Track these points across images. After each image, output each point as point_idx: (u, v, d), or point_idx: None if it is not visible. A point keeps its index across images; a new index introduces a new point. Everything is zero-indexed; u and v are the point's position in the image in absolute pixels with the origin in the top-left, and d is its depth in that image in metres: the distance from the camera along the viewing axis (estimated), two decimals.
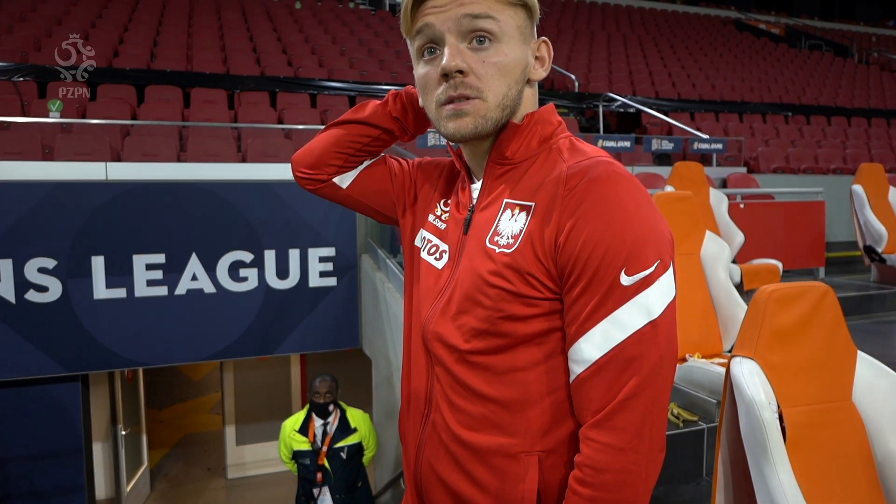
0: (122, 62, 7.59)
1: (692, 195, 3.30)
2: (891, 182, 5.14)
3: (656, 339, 0.85)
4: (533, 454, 0.92)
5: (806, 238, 5.26)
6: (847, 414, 1.73)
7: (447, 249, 1.03)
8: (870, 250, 4.93)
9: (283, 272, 4.74)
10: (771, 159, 7.91)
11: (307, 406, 4.14)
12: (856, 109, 11.01)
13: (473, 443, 0.94)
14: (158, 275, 4.46)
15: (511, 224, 0.93)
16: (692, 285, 3.10)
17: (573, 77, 9.48)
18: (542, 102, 1.02)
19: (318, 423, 4.04)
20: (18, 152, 5.36)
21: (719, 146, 7.24)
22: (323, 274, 4.84)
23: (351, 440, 4.04)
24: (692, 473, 2.56)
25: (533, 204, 0.92)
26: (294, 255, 4.76)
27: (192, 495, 6.71)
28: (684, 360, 2.96)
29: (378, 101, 1.16)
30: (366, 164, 1.19)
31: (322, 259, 4.83)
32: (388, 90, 1.34)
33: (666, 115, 8.80)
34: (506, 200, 0.96)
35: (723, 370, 2.61)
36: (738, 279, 4.03)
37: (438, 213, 1.09)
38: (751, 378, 1.67)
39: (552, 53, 1.01)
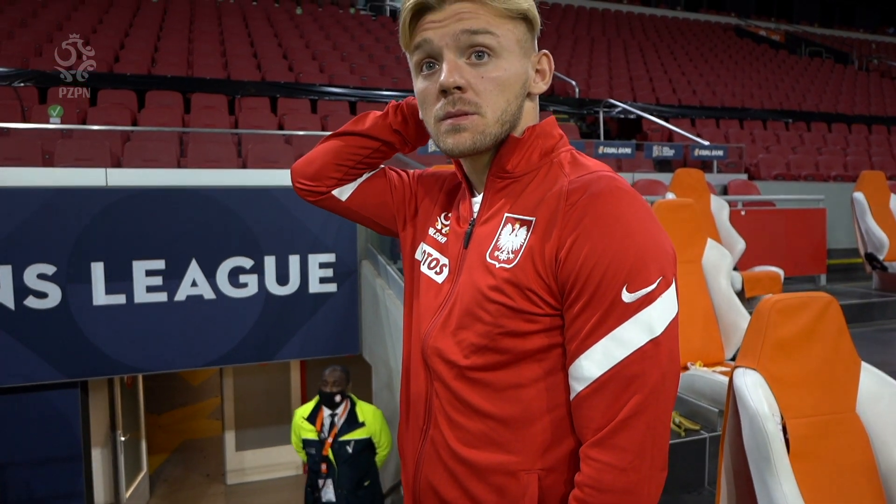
0: (123, 67, 7.59)
1: (693, 202, 3.30)
2: (892, 189, 5.15)
3: (658, 356, 0.84)
4: (533, 472, 0.91)
5: (807, 245, 5.26)
6: (851, 425, 1.72)
7: (447, 263, 1.02)
8: (871, 258, 4.92)
9: (283, 278, 4.73)
10: (772, 166, 7.91)
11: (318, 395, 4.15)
12: (856, 116, 11.01)
13: (472, 460, 0.93)
14: (158, 281, 4.45)
15: (511, 239, 0.92)
16: (693, 293, 3.10)
17: (574, 83, 9.49)
18: (541, 109, 1.01)
19: (326, 413, 4.04)
20: (18, 158, 5.36)
21: (720, 153, 7.25)
22: (323, 280, 4.84)
23: (358, 434, 4.00)
24: (694, 483, 2.55)
25: (533, 219, 0.91)
26: (294, 261, 4.75)
27: (192, 501, 6.69)
28: (686, 368, 2.95)
29: (378, 113, 1.15)
30: (365, 176, 1.18)
31: (322, 265, 4.83)
32: (389, 96, 1.34)
33: (667, 121, 8.80)
34: (506, 215, 0.95)
35: (724, 378, 2.60)
36: (739, 287, 4.03)
37: (439, 227, 1.09)
38: (754, 389, 1.66)
39: (553, 66, 1.01)
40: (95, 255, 4.31)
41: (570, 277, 0.85)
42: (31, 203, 4.20)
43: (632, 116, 9.03)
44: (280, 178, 5.20)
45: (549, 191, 0.92)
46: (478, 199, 1.02)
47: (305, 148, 6.03)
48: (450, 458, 0.96)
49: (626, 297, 0.83)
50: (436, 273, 1.04)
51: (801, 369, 1.72)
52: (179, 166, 5.84)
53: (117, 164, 5.67)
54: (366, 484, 4.09)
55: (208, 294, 4.56)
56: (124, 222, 4.37)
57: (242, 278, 4.64)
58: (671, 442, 2.52)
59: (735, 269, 4.23)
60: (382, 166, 1.21)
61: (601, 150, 6.76)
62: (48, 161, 5.50)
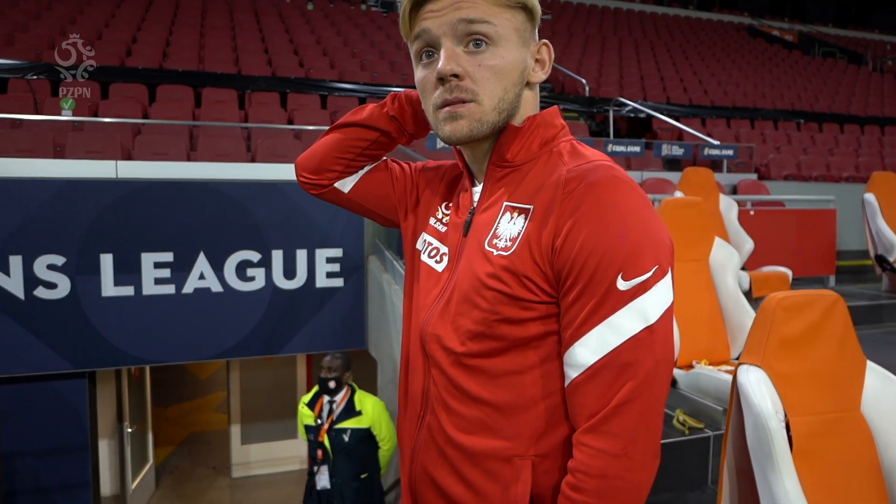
0: (135, 61, 7.64)
1: (702, 201, 3.29)
2: None
3: (652, 344, 0.84)
4: (527, 458, 0.92)
5: (817, 246, 5.22)
6: (855, 424, 1.71)
7: (447, 252, 1.03)
8: (881, 259, 4.88)
9: (290, 272, 4.75)
10: (782, 166, 7.85)
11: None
12: (869, 117, 10.91)
13: (467, 446, 0.94)
14: (166, 273, 4.48)
15: (510, 227, 0.93)
16: (700, 292, 3.08)
17: (584, 81, 9.45)
18: (551, 106, 1.02)
19: (325, 400, 4.05)
20: (30, 150, 5.40)
21: (730, 152, 7.20)
22: (330, 275, 4.85)
23: (355, 423, 3.99)
24: (698, 481, 2.55)
25: (531, 207, 0.92)
26: (301, 255, 4.77)
27: (197, 493, 6.73)
28: (691, 366, 2.93)
29: (377, 104, 1.16)
30: (367, 168, 1.19)
31: (329, 260, 4.84)
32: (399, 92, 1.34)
33: (677, 120, 8.75)
34: (505, 203, 0.96)
35: (729, 377, 2.58)
36: (746, 286, 4.00)
37: (439, 217, 1.10)
38: (758, 386, 1.65)
39: (553, 56, 1.01)
40: (105, 247, 4.34)
41: (566, 265, 0.86)
42: (42, 194, 4.23)
43: (642, 115, 8.98)
44: (289, 172, 5.21)
45: (547, 179, 0.92)
46: (478, 188, 1.03)
47: (314, 143, 6.05)
48: (445, 444, 0.97)
49: (622, 284, 0.83)
50: (436, 262, 1.05)
51: (805, 367, 1.71)
52: (189, 160, 5.87)
53: (128, 156, 5.71)
54: (363, 476, 4.07)
55: (216, 287, 4.58)
56: (134, 214, 4.40)
57: (250, 272, 4.66)
58: (676, 440, 2.52)
59: (743, 268, 4.20)
60: (384, 158, 1.22)
61: (610, 148, 6.73)
62: (60, 153, 5.54)
